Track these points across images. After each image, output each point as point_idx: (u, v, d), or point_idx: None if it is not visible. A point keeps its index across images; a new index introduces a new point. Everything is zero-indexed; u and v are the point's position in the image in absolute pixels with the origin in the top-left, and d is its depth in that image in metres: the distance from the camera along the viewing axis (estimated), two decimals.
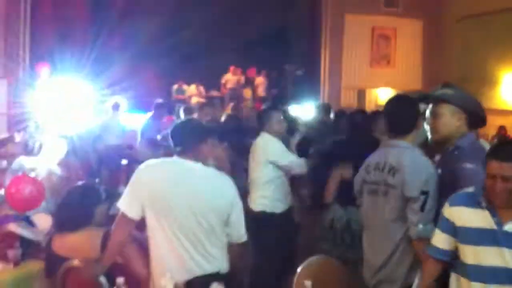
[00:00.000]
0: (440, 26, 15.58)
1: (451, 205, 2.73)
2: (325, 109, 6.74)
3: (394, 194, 3.08)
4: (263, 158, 4.83)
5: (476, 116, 3.14)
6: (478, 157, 2.85)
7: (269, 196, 4.83)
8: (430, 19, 15.46)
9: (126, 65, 12.65)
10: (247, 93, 16.76)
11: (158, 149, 5.62)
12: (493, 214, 2.62)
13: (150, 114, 8.99)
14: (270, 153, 4.82)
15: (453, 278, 2.78)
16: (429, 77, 14.91)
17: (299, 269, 3.44)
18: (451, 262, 2.79)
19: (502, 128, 10.28)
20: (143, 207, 3.10)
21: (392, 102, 3.34)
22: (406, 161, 3.06)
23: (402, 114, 3.23)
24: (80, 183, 4.10)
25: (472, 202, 2.67)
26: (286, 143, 5.12)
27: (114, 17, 12.69)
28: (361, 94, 14.81)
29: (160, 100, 9.25)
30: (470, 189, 2.73)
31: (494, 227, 2.61)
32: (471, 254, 2.65)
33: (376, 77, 15.31)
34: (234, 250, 3.24)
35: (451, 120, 3.09)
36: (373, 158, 3.29)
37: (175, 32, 14.17)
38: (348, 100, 14.75)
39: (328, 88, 15.09)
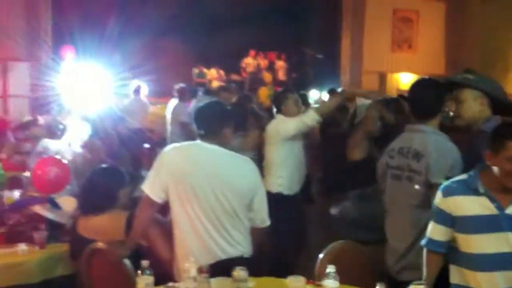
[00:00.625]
0: (464, 9, 15.31)
1: (446, 196, 2.65)
2: None
3: (418, 179, 3.06)
4: (277, 138, 4.77)
5: (499, 101, 3.10)
6: None
7: (285, 176, 4.79)
8: (454, 2, 15.21)
9: (147, 49, 12.70)
10: (268, 77, 16.72)
11: (192, 133, 5.57)
12: (493, 199, 2.56)
13: (176, 100, 8.86)
14: (282, 130, 4.73)
15: (454, 270, 2.71)
16: (452, 62, 14.69)
17: (321, 255, 3.44)
18: (450, 254, 2.72)
19: None
20: (167, 190, 3.12)
21: (416, 85, 3.31)
22: (430, 146, 3.03)
23: (426, 98, 3.18)
24: (103, 165, 4.14)
25: (467, 189, 2.60)
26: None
27: (136, 1, 12.71)
28: (382, 79, 14.69)
29: (182, 85, 9.25)
30: (463, 177, 2.66)
31: (496, 212, 2.54)
32: (475, 243, 2.58)
33: (397, 61, 15.15)
34: (257, 234, 3.26)
35: (474, 104, 3.06)
36: (396, 143, 3.26)
37: (195, 15, 14.16)
38: (369, 85, 14.62)
39: (348, 72, 14.99)
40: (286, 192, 4.77)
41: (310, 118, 4.64)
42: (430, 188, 2.99)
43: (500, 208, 2.55)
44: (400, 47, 15.36)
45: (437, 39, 15.39)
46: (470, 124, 3.10)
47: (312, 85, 14.58)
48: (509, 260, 2.56)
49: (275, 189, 4.72)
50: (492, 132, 2.63)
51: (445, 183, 2.72)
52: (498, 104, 3.11)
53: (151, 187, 3.17)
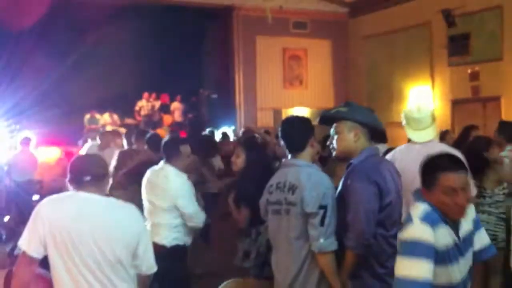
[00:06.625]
0: (348, 45, 16.20)
1: (434, 227, 2.47)
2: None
3: (294, 211, 3.15)
4: (170, 200, 4.43)
5: (376, 130, 3.28)
6: (364, 176, 3.00)
7: (179, 235, 4.49)
8: (338, 39, 16.05)
9: (35, 98, 12.27)
10: (167, 119, 16.60)
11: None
12: (452, 227, 2.53)
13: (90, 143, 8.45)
14: (177, 194, 4.43)
15: None
16: (340, 95, 15.42)
17: None
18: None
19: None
20: (45, 244, 3.00)
21: (284, 123, 3.45)
22: (303, 178, 3.16)
23: (293, 134, 3.34)
24: None
25: (440, 219, 2.51)
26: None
27: (20, 50, 12.32)
28: (277, 115, 15.10)
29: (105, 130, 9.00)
30: (427, 208, 2.52)
31: (456, 239, 2.54)
32: (454, 273, 2.54)
33: (290, 97, 15.68)
34: (144, 281, 3.20)
35: (348, 136, 3.21)
36: (274, 179, 3.37)
37: (84, 60, 13.86)
38: (264, 121, 14.98)
39: (244, 110, 15.29)
40: (182, 243, 4.48)
41: (196, 221, 4.49)
42: (307, 218, 3.09)
43: (457, 234, 2.55)
44: (291, 84, 15.92)
45: (325, 74, 16.11)
46: (346, 156, 3.23)
47: (208, 124, 14.68)
48: (470, 278, 2.63)
49: (171, 243, 4.44)
50: (421, 167, 2.61)
51: (423, 213, 2.52)
52: (375, 133, 3.28)
53: (28, 242, 3.02)
